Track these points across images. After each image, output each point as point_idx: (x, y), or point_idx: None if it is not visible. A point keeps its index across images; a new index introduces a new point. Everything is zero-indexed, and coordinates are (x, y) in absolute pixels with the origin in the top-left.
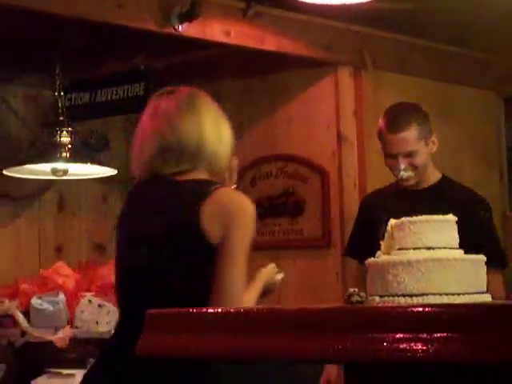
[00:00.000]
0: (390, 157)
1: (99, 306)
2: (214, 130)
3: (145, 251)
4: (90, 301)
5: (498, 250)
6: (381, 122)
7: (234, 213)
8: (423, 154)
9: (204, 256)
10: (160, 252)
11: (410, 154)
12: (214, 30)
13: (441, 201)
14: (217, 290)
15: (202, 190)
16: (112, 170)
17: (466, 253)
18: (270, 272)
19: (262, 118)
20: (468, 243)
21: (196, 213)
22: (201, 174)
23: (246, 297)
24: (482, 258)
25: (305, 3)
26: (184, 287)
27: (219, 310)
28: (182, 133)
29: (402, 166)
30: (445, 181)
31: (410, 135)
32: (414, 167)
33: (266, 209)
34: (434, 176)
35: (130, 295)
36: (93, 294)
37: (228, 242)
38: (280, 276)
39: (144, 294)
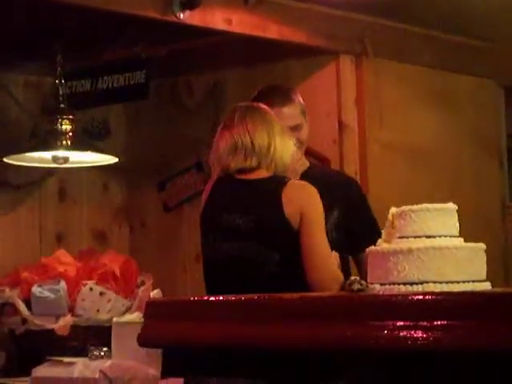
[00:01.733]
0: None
1: (100, 294)
2: (280, 138)
3: (237, 243)
4: (91, 289)
5: (377, 228)
6: None
7: (307, 199)
8: (306, 129)
9: (292, 244)
10: (252, 244)
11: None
12: (216, 17)
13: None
14: (313, 268)
15: (279, 184)
16: (113, 157)
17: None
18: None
19: None
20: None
21: (279, 204)
22: (265, 173)
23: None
24: (482, 246)
25: None
26: (277, 276)
27: (220, 298)
28: (255, 135)
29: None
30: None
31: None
32: (300, 142)
33: None
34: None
35: (222, 285)
36: (94, 281)
37: (309, 226)
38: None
39: (237, 283)
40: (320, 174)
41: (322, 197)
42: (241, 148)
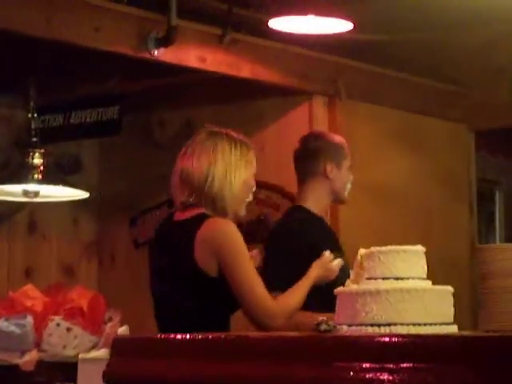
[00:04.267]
0: (350, 167)
1: (67, 329)
2: (223, 173)
3: (161, 285)
4: (58, 324)
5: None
6: (338, 138)
7: (221, 239)
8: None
9: (206, 290)
10: (169, 287)
11: None
12: (190, 55)
13: None
14: (247, 309)
15: (195, 225)
16: (84, 192)
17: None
18: (324, 262)
19: None
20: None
21: (191, 249)
22: (199, 211)
23: (285, 298)
24: (450, 289)
25: (281, 31)
26: (192, 320)
27: (187, 337)
28: (196, 168)
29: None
30: None
31: None
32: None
33: None
34: None
35: (158, 322)
36: (61, 317)
37: (229, 268)
38: (337, 262)
39: (163, 321)
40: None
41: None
42: (185, 181)
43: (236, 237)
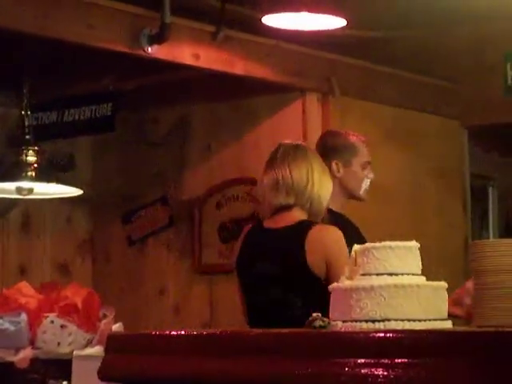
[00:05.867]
0: (366, 165)
1: (62, 326)
2: (319, 176)
3: (267, 290)
4: (52, 321)
5: None
6: (352, 137)
7: (331, 246)
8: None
9: (315, 289)
10: (278, 290)
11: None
12: (184, 52)
13: None
14: None
15: (302, 231)
16: (77, 190)
17: None
18: None
19: (230, 142)
20: None
21: (303, 254)
22: (297, 215)
23: None
24: (444, 284)
25: (274, 28)
26: (300, 319)
27: (182, 333)
28: (294, 172)
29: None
30: None
31: None
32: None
33: (232, 232)
34: None
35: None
36: (56, 314)
37: (336, 272)
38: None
39: (270, 327)
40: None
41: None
42: (282, 185)
43: (343, 241)
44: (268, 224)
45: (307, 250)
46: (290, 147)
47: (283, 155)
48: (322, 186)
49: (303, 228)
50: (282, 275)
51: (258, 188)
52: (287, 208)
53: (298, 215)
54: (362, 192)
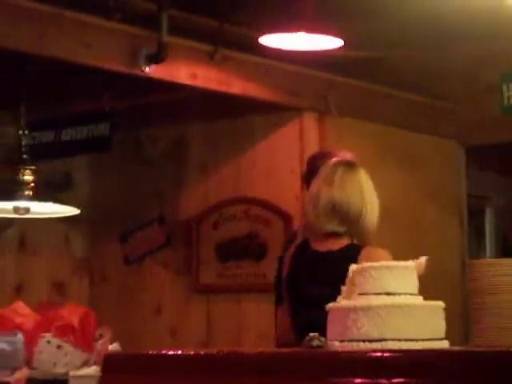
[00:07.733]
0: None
1: (58, 347)
2: (371, 202)
3: (317, 312)
4: (48, 341)
5: None
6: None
7: None
8: None
9: None
10: None
11: None
12: (181, 72)
13: None
14: None
15: (352, 255)
16: (74, 209)
17: None
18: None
19: (227, 161)
20: None
21: None
22: (342, 242)
23: None
24: (441, 304)
25: (271, 48)
26: None
27: (179, 353)
28: (351, 201)
29: None
30: None
31: None
32: None
33: (229, 251)
34: None
35: None
36: (52, 334)
37: None
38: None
39: None
40: None
41: None
42: (337, 211)
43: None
44: (316, 247)
45: None
46: (346, 167)
47: (341, 176)
48: (373, 213)
49: (354, 251)
50: (333, 298)
51: (308, 204)
52: (338, 235)
53: (346, 240)
54: None
